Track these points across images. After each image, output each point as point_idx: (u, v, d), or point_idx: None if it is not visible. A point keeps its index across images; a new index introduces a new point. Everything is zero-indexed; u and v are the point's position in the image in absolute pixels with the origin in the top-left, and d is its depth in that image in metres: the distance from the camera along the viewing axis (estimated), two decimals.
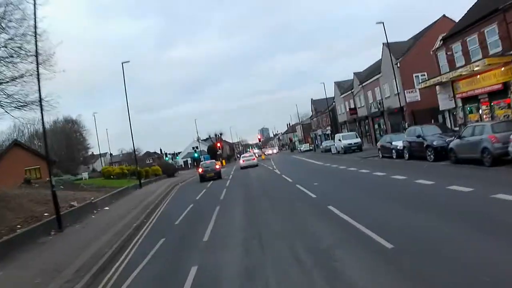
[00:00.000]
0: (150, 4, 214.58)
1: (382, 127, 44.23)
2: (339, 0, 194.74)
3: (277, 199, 15.74)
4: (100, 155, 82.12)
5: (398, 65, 36.40)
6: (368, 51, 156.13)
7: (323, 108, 78.54)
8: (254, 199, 16.84)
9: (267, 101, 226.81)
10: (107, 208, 21.28)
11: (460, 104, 26.71)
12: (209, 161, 43.26)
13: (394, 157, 25.27)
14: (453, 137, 18.80)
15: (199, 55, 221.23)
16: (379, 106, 42.49)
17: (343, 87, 60.07)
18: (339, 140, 42.03)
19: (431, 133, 21.91)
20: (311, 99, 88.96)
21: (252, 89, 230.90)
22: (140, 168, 47.37)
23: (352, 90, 52.22)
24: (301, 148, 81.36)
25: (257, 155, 50.68)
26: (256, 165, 43.72)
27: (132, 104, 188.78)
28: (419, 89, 34.20)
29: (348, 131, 52.83)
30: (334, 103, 64.86)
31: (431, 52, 30.14)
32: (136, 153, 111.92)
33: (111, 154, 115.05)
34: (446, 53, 27.22)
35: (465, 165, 16.57)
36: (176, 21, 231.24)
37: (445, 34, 27.64)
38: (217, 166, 35.48)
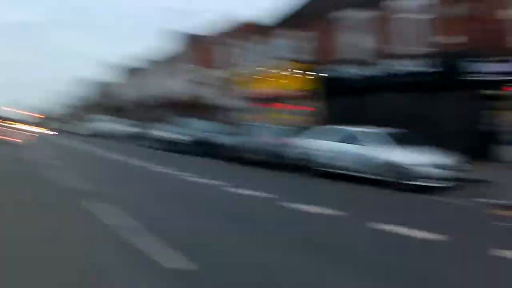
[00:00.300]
0: None
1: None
2: None
3: None
4: None
5: (175, 56, 34.47)
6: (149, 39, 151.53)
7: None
8: None
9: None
10: None
11: (241, 103, 26.17)
12: None
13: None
14: (241, 136, 17.55)
15: None
16: (144, 96, 39.83)
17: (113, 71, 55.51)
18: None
19: (210, 128, 20.82)
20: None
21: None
22: None
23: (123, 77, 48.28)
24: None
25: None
26: None
27: None
28: (190, 82, 32.88)
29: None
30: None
31: (212, 47, 29.32)
32: None
33: None
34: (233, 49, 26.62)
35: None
36: None
37: (238, 29, 26.93)
38: None
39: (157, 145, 24.62)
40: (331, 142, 12.55)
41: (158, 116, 35.77)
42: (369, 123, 13.06)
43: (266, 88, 23.27)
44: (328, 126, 14.27)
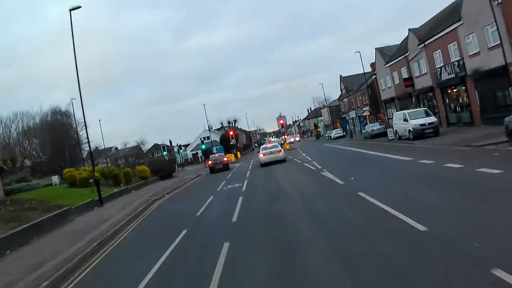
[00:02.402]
0: None
1: (464, 99, 31.11)
2: None
3: None
4: (96, 149, 71.40)
5: (499, 1, 23.62)
6: (389, 32, 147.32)
7: (356, 86, 65.75)
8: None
9: (283, 89, 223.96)
10: None
11: None
12: (217, 154, 47.57)
13: None
14: None
15: (215, 43, 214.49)
16: (458, 69, 29.69)
17: (387, 54, 47.18)
18: (404, 120, 29.07)
19: None
20: (340, 76, 75.84)
21: (269, 77, 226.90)
22: (124, 168, 35.48)
23: (406, 54, 39.18)
24: (332, 135, 68.62)
25: (279, 145, 38.42)
26: (284, 160, 31.66)
27: (150, 96, 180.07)
28: None
29: (397, 110, 40.27)
30: (375, 76, 51.95)
31: None
32: (141, 145, 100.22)
33: (116, 148, 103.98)
34: None
35: None
36: (192, 9, 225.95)
37: None
38: (225, 159, 40.78)
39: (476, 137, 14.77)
40: None
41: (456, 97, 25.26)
42: None
43: None
44: None
